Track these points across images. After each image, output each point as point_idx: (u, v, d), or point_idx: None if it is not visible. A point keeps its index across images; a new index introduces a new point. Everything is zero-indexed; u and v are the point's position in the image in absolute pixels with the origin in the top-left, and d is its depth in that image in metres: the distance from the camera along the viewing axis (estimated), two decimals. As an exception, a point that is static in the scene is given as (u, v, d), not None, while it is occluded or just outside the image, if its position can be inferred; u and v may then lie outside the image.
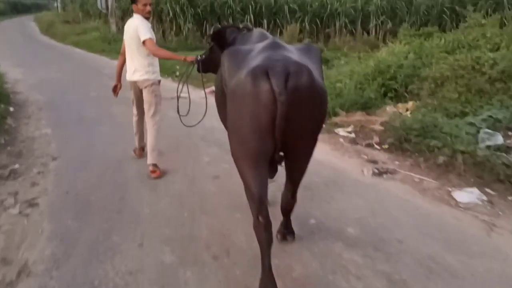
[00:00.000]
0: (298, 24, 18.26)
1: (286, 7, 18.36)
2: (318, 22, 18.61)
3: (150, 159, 4.65)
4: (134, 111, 4.99)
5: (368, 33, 18.21)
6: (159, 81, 4.71)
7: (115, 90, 5.05)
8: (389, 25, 18.18)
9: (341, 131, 6.20)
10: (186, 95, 4.47)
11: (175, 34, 18.38)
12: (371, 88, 7.18)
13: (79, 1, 35.18)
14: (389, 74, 7.34)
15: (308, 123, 2.47)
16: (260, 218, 2.50)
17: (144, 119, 4.89)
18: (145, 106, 4.69)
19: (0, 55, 14.30)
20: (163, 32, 19.26)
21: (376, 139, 5.73)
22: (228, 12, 18.28)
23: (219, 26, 3.88)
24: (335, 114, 6.70)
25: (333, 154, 5.44)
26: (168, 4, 18.32)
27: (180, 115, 4.30)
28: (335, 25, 18.78)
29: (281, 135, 2.30)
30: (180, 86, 4.16)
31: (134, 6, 4.49)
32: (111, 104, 7.06)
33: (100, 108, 7.71)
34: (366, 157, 5.32)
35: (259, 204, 2.49)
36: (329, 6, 18.68)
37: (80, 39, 18.74)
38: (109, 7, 20.10)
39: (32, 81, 10.25)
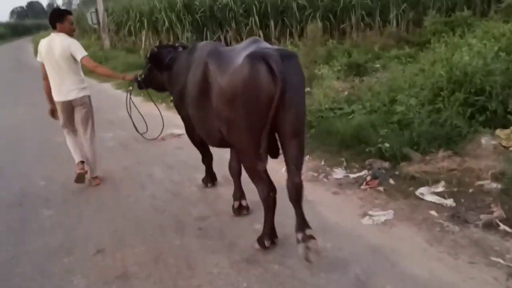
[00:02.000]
0: (309, 22, 16.35)
1: (294, 4, 16.29)
2: (332, 18, 16.53)
3: (92, 172, 4.85)
4: (66, 130, 4.85)
5: (387, 24, 16.15)
6: (89, 96, 4.79)
7: (53, 114, 4.91)
8: (411, 13, 16.08)
9: (427, 194, 3.87)
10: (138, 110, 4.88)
11: (173, 45, 16.56)
12: (452, 110, 4.78)
13: (74, 17, 34.07)
14: (474, 85, 4.86)
15: (302, 97, 2.86)
16: (272, 194, 3.00)
17: (76, 133, 4.87)
18: (81, 122, 4.72)
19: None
20: (160, 44, 17.48)
21: (497, 210, 3.35)
22: (230, 15, 16.35)
23: (155, 48, 4.13)
24: (405, 158, 4.48)
25: (432, 255, 3.11)
26: (163, 13, 16.48)
27: (140, 133, 4.77)
28: (350, 19, 16.70)
29: (288, 109, 2.67)
30: (129, 102, 4.52)
31: (59, 25, 4.48)
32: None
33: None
34: (500, 261, 2.94)
35: (269, 182, 3.00)
36: (342, -2, 16.60)
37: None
38: (101, 22, 18.33)
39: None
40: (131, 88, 4.53)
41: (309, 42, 9.51)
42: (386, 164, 4.48)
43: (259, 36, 16.46)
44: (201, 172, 4.63)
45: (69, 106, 4.65)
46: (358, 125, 5.06)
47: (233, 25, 16.33)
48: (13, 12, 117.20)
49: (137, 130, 4.73)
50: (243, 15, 16.53)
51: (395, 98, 5.45)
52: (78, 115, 4.68)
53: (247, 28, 16.42)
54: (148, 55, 4.09)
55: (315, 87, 6.56)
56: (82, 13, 31.75)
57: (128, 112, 4.54)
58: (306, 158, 4.86)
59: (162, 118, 4.73)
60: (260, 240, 3.20)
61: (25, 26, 65.43)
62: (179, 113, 3.95)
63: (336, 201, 4.10)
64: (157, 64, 3.99)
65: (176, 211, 4.16)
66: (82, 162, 4.79)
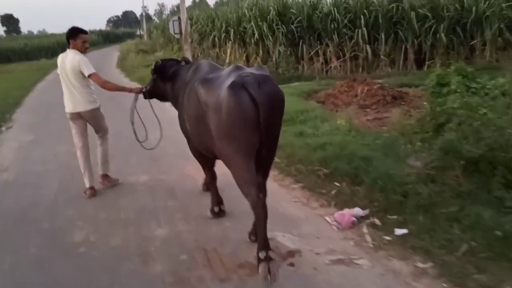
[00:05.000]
0: (430, 36, 13.14)
1: (413, 14, 13.14)
2: (460, 32, 13.13)
3: (102, 169, 5.02)
4: (79, 143, 4.92)
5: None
6: (99, 107, 4.92)
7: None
8: None
9: None
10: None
11: (263, 59, 14.14)
12: None
13: (160, 26, 33.35)
14: None
15: (279, 116, 3.11)
16: (261, 195, 3.01)
17: (88, 150, 4.96)
18: (94, 129, 4.97)
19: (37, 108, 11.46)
20: (247, 58, 15.15)
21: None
22: (332, 26, 13.59)
23: (160, 61, 4.41)
24: None
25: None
26: (253, 22, 14.15)
27: (139, 141, 4.70)
28: (482, 33, 13.18)
29: (265, 128, 2.88)
30: (134, 113, 4.60)
31: (72, 42, 4.65)
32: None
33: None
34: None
35: (257, 186, 3.03)
36: (473, 8, 13.14)
37: (147, 73, 15.27)
38: (183, 31, 16.42)
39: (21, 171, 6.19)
40: (136, 99, 4.66)
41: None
42: None
43: (366, 52, 13.58)
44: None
45: (79, 118, 4.83)
46: None
47: (335, 38, 13.54)
48: (109, 21, 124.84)
49: (137, 139, 4.73)
50: (347, 27, 13.72)
51: None
52: (91, 125, 4.95)
53: (352, 42, 13.56)
54: (153, 67, 4.35)
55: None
56: (167, 22, 31.13)
57: (131, 121, 4.61)
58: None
59: (161, 128, 4.80)
60: (257, 255, 3.11)
61: (116, 34, 67.95)
62: (180, 125, 3.96)
63: None
64: (161, 75, 4.26)
65: None
66: (92, 188, 4.90)
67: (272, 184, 4.43)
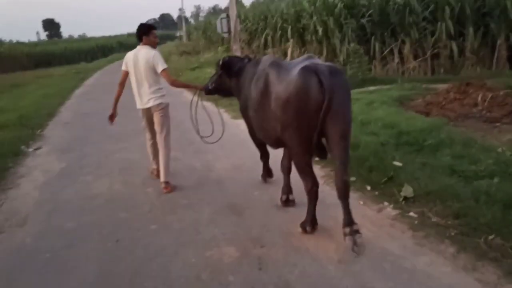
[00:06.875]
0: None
1: (509, 2, 10.93)
2: None
3: (163, 176, 4.86)
4: (148, 136, 5.09)
5: None
6: (168, 104, 4.90)
7: (112, 118, 4.99)
8: None
9: None
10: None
11: (327, 60, 12.24)
12: None
13: (201, 27, 31.99)
14: None
15: (347, 104, 3.15)
16: (315, 188, 3.32)
17: (156, 142, 5.00)
18: (158, 125, 4.87)
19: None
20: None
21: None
22: (410, 19, 11.57)
23: (227, 57, 4.51)
24: None
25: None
26: (315, 17, 12.29)
27: (201, 136, 4.80)
28: None
29: (332, 117, 2.98)
30: (195, 110, 4.68)
31: (145, 38, 4.71)
32: None
33: None
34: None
35: (313, 177, 3.33)
36: None
37: (194, 77, 13.75)
38: (232, 30, 14.78)
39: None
40: (197, 95, 4.75)
41: None
42: None
43: (451, 50, 11.48)
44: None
45: (149, 113, 4.86)
46: None
47: (413, 33, 11.50)
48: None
49: (198, 133, 4.78)
50: (427, 19, 11.67)
51: None
52: (156, 119, 4.87)
53: (434, 37, 11.49)
54: (220, 62, 4.42)
55: None
56: (209, 22, 29.65)
57: (191, 117, 4.68)
58: None
59: (223, 122, 4.87)
60: (302, 225, 3.44)
61: (155, 36, 67.54)
62: (243, 116, 4.22)
63: None
64: (228, 71, 4.32)
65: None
66: (158, 170, 4.96)
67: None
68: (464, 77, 10.76)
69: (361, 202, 3.84)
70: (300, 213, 3.56)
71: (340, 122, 3.05)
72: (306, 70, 3.02)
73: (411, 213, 3.47)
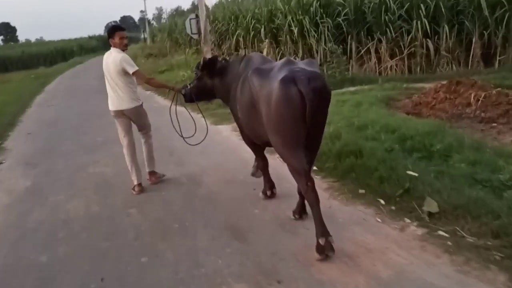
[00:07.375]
0: (502, 28, 10.94)
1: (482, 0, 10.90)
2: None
3: (148, 166, 4.90)
4: (124, 141, 4.84)
5: None
6: (142, 104, 4.86)
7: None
8: None
9: None
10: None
11: (303, 60, 11.89)
12: None
13: (166, 29, 31.00)
14: None
15: (325, 110, 3.15)
16: (309, 183, 3.10)
17: (134, 147, 4.88)
18: (138, 128, 4.91)
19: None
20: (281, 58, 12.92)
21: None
22: (385, 18, 11.38)
23: (207, 58, 4.39)
24: None
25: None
26: (290, 17, 11.91)
27: (183, 138, 4.59)
28: None
29: (311, 122, 2.97)
30: (175, 111, 4.55)
31: (111, 41, 4.64)
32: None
33: None
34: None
35: (305, 175, 3.12)
36: None
37: (165, 79, 13.02)
38: (202, 31, 14.18)
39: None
40: (176, 97, 4.62)
41: None
42: None
43: (426, 48, 11.37)
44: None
45: (122, 115, 4.77)
46: None
47: (390, 32, 11.32)
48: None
49: (180, 135, 4.57)
50: (402, 17, 11.52)
51: None
52: (135, 122, 4.88)
53: (409, 36, 11.35)
54: (200, 63, 4.31)
55: None
56: (175, 24, 28.69)
57: (171, 118, 4.51)
58: None
59: (206, 124, 4.70)
60: (318, 249, 3.04)
61: (115, 39, 65.68)
62: (233, 115, 4.09)
63: None
64: (210, 70, 4.21)
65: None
66: (140, 184, 4.78)
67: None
68: (441, 75, 10.69)
69: (379, 220, 3.42)
70: (311, 233, 3.10)
71: (317, 126, 3.12)
72: (284, 81, 3.00)
73: (441, 232, 3.06)
